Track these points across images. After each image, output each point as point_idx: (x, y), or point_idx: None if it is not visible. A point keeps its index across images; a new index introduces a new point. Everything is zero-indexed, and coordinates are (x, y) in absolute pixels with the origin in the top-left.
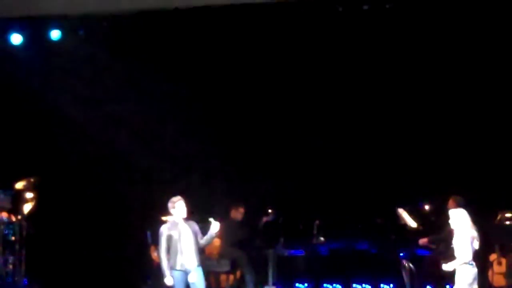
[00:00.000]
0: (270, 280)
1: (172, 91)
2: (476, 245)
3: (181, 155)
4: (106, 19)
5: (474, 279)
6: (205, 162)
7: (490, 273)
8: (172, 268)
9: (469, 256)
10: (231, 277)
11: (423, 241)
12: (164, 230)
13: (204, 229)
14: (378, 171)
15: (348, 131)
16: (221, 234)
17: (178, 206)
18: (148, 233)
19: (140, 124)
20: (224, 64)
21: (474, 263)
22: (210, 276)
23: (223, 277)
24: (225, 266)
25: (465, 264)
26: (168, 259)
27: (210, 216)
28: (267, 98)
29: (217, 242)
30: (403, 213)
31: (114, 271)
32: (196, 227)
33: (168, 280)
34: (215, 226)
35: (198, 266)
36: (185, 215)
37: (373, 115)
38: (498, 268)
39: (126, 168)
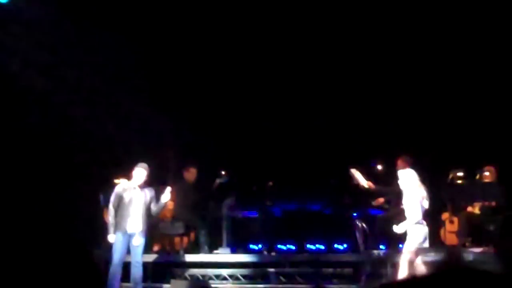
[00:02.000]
0: (224, 242)
1: (124, 53)
2: (426, 204)
3: (136, 120)
4: None
5: (425, 237)
6: (160, 126)
7: (442, 231)
8: (117, 229)
9: (419, 216)
10: (185, 239)
11: (377, 201)
12: (117, 190)
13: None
14: (331, 131)
15: (301, 91)
16: (174, 197)
17: (138, 171)
18: (101, 195)
19: (95, 89)
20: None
21: (424, 222)
22: (164, 239)
23: (177, 239)
24: (179, 228)
25: (416, 224)
26: (115, 220)
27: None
28: (219, 58)
29: (170, 204)
30: (355, 173)
31: (67, 233)
32: (151, 194)
33: (110, 238)
34: (166, 195)
35: (142, 231)
36: (140, 182)
37: (325, 75)
38: (450, 226)
39: (83, 133)
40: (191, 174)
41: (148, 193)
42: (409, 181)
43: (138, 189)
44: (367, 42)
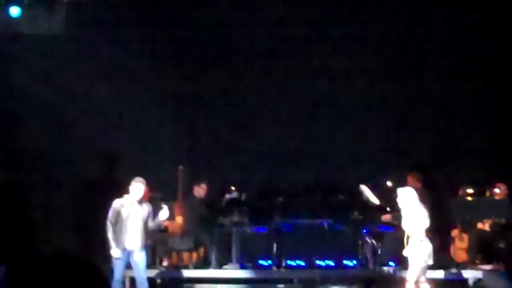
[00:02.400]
0: (234, 257)
1: (136, 69)
2: (427, 222)
3: (144, 133)
4: None
5: (429, 255)
6: (169, 141)
7: (452, 248)
8: (116, 244)
9: (422, 234)
10: (194, 255)
11: (385, 217)
12: (115, 205)
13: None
14: (341, 147)
15: (310, 107)
16: (184, 212)
17: (135, 187)
18: None
19: (104, 103)
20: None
21: (428, 239)
22: (174, 254)
23: (186, 255)
24: (189, 244)
25: (419, 241)
26: (114, 235)
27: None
28: (229, 74)
29: (180, 220)
30: (365, 190)
31: (79, 250)
32: (149, 209)
33: (114, 252)
34: (164, 212)
35: (141, 247)
36: (139, 197)
37: (334, 89)
38: (460, 243)
39: (91, 148)
40: (202, 190)
41: (146, 208)
42: (409, 200)
43: (136, 204)
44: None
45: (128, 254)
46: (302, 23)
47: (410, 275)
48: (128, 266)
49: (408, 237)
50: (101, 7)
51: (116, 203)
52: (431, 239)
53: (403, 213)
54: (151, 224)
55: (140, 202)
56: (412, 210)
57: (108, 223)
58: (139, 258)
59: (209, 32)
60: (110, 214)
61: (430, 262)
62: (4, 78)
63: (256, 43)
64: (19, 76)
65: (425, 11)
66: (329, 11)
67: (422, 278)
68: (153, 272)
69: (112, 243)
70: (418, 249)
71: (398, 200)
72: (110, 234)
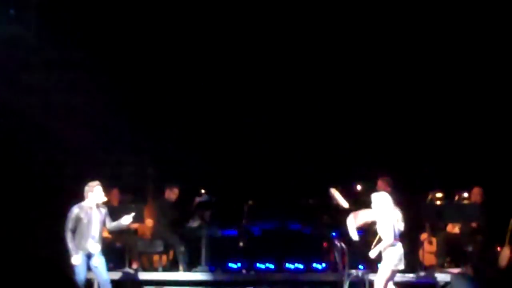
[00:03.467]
0: (203, 260)
1: (100, 72)
2: (401, 226)
3: (113, 135)
4: None
5: (400, 259)
6: (139, 143)
7: (421, 252)
8: (78, 249)
9: (393, 238)
10: (164, 257)
11: None
12: (74, 210)
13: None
14: (311, 151)
15: (281, 112)
16: (154, 215)
17: (95, 191)
18: None
19: (68, 106)
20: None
21: (400, 244)
22: (143, 257)
23: (156, 257)
24: (158, 246)
25: (391, 245)
26: (74, 240)
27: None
28: (196, 80)
29: (150, 223)
30: (335, 193)
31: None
32: (105, 211)
33: (75, 259)
34: (127, 219)
35: (100, 251)
36: (100, 201)
37: (304, 94)
38: (428, 247)
39: (58, 150)
40: (173, 194)
41: (103, 211)
42: (383, 204)
43: (95, 208)
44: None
45: (88, 258)
46: None
47: (379, 278)
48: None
49: (379, 240)
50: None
51: (75, 209)
52: (402, 244)
53: (377, 217)
54: (109, 225)
55: (98, 206)
56: (387, 215)
57: (68, 233)
58: (99, 262)
59: None
60: (69, 222)
61: (401, 266)
62: None
63: None
64: None
65: None
66: None
67: (390, 283)
68: (123, 275)
69: (72, 251)
70: (390, 253)
71: (372, 204)
72: (70, 243)
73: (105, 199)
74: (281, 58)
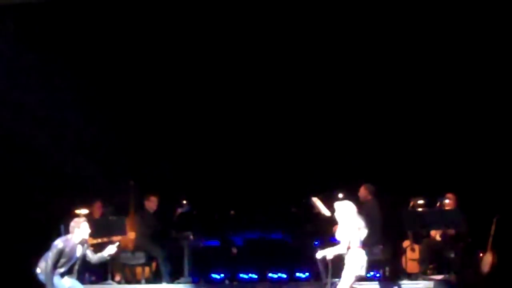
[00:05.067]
0: (186, 271)
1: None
2: (364, 233)
3: (91, 147)
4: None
5: (362, 266)
6: (119, 155)
7: (403, 259)
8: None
9: (357, 245)
10: (147, 269)
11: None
12: (59, 245)
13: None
14: (292, 160)
15: (262, 121)
16: (136, 227)
17: (82, 227)
18: (61, 226)
19: (52, 117)
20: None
21: (363, 251)
22: (126, 269)
23: (138, 269)
24: (141, 258)
25: (354, 253)
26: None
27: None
28: (176, 90)
29: (132, 235)
30: (316, 202)
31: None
32: (86, 246)
33: None
34: (110, 249)
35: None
36: (86, 237)
37: (286, 103)
38: (411, 254)
39: (42, 165)
40: (152, 203)
41: (85, 246)
42: (346, 213)
43: (80, 245)
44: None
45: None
46: None
47: (343, 284)
48: None
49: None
50: None
51: (60, 244)
52: (367, 251)
53: (340, 225)
54: (93, 258)
55: (81, 242)
56: (350, 223)
57: (50, 267)
58: (71, 283)
59: None
60: (54, 256)
61: (363, 273)
62: None
63: None
64: None
65: None
66: None
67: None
68: (105, 287)
69: (49, 283)
70: (353, 260)
71: (335, 213)
72: (49, 277)
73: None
74: (260, 73)
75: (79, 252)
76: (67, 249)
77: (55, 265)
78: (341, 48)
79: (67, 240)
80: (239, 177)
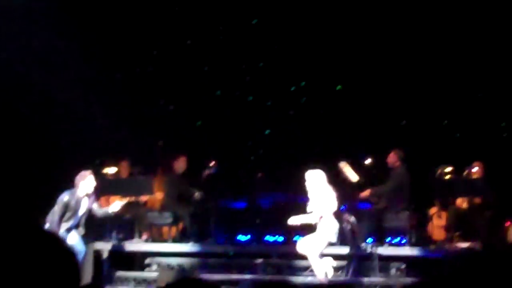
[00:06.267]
0: (212, 233)
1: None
2: (334, 203)
3: (118, 107)
4: None
5: (335, 233)
6: (145, 114)
7: (430, 226)
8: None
9: (329, 213)
10: (173, 229)
11: (364, 194)
12: (65, 197)
13: None
14: (321, 124)
15: (292, 80)
16: (163, 187)
17: (87, 181)
18: None
19: (83, 76)
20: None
21: (334, 218)
22: (153, 228)
23: (165, 229)
24: (168, 218)
25: (326, 220)
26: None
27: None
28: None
29: (159, 195)
30: (345, 167)
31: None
32: (92, 199)
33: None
34: (115, 206)
35: (81, 236)
36: (91, 191)
37: (316, 68)
38: (438, 221)
39: (69, 121)
40: (180, 163)
41: (92, 199)
42: (317, 181)
43: (86, 198)
44: (355, 36)
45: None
46: None
47: (315, 249)
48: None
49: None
50: None
51: (66, 197)
52: (340, 220)
53: (311, 194)
54: (98, 211)
55: (87, 194)
56: (321, 192)
57: (57, 220)
58: (76, 240)
59: None
60: (60, 209)
61: (334, 240)
62: None
63: None
64: None
65: None
66: None
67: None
68: (132, 246)
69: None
70: (326, 227)
71: (306, 182)
72: (55, 227)
73: (94, 184)
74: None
75: (84, 205)
76: (72, 202)
77: (61, 219)
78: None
79: (72, 193)
80: (268, 139)
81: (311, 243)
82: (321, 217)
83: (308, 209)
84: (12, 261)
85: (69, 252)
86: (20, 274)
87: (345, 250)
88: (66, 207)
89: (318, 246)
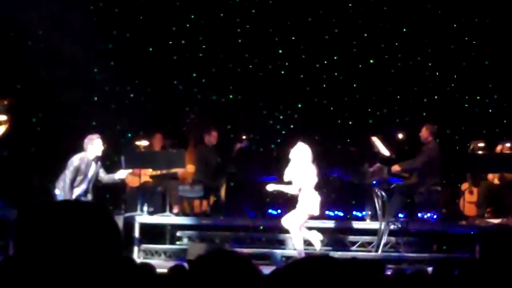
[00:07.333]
0: (244, 206)
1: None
2: (315, 178)
3: (151, 80)
4: None
5: (316, 205)
6: (178, 88)
7: (461, 202)
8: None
9: (311, 187)
10: (205, 202)
11: (395, 169)
12: (75, 161)
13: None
14: (353, 98)
15: (323, 55)
16: (195, 160)
17: (96, 144)
18: (122, 158)
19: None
20: None
21: (315, 192)
22: (184, 202)
23: (196, 202)
24: (199, 192)
25: (308, 193)
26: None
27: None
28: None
29: (191, 168)
30: (376, 141)
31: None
32: (100, 164)
33: None
34: (121, 173)
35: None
36: (99, 154)
37: (349, 43)
38: (469, 197)
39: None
40: (212, 137)
41: (99, 164)
42: (302, 155)
43: (93, 161)
44: (387, 10)
45: None
46: None
47: (295, 222)
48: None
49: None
50: None
51: (76, 159)
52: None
53: (294, 167)
54: (104, 176)
55: (95, 159)
56: (304, 166)
57: (68, 181)
58: None
59: None
60: (71, 173)
61: (316, 212)
62: None
63: None
64: None
65: None
66: None
67: (304, 225)
68: (163, 219)
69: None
70: (307, 200)
71: (291, 155)
72: (67, 193)
73: (102, 148)
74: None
75: (93, 169)
76: (82, 166)
77: (72, 184)
78: None
79: (81, 157)
80: (299, 114)
81: (292, 216)
82: (300, 189)
83: (285, 178)
84: (66, 229)
85: (114, 221)
86: (73, 241)
87: (375, 225)
88: (77, 171)
89: (299, 219)
